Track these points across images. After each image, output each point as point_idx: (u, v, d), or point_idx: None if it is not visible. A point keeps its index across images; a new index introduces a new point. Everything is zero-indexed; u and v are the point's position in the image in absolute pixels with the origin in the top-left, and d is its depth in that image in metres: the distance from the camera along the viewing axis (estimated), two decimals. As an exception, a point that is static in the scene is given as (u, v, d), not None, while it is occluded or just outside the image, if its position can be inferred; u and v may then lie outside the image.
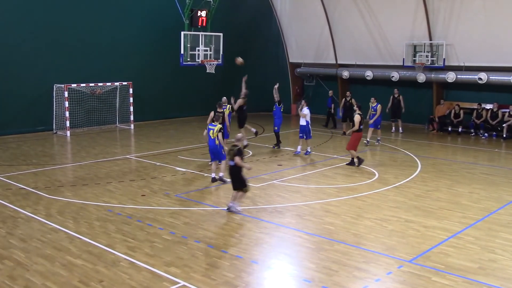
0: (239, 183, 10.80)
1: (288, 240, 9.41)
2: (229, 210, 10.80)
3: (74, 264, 8.08)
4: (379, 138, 19.34)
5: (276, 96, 18.43)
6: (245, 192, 10.90)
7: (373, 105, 18.99)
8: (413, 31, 22.98)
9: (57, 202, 11.48)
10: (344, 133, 21.48)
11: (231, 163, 10.76)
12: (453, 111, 22.18)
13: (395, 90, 22.60)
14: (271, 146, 18.43)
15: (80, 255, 8.42)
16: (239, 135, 11.33)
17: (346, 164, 15.42)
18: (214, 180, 13.23)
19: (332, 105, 24.29)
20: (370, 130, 18.92)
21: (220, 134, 13.10)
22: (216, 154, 13.28)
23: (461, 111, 21.94)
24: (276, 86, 18.72)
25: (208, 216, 10.61)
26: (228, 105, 16.13)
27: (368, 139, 18.84)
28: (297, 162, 16.06)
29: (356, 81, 26.64)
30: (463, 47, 21.77)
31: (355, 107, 16.33)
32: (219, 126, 13.23)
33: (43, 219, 10.27)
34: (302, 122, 16.76)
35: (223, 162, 13.25)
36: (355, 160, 15.34)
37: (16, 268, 7.93)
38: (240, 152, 10.70)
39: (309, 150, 16.94)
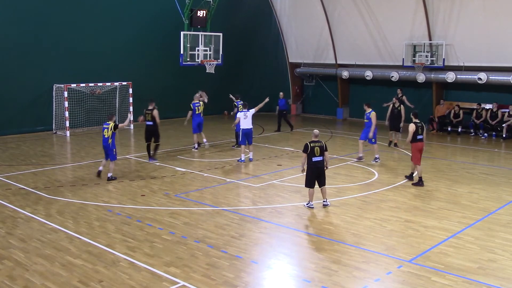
0: (325, 179, 11.20)
1: (287, 240, 9.41)
2: (325, 206, 11.27)
3: (73, 264, 8.08)
4: (377, 156, 15.90)
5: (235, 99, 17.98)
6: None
7: (366, 112, 15.73)
8: (413, 31, 23.00)
9: (56, 202, 11.48)
10: (390, 144, 18.64)
11: (319, 158, 10.91)
12: (452, 111, 22.18)
13: (398, 90, 22.57)
14: (233, 146, 18.33)
15: (79, 255, 8.42)
16: (316, 131, 11.30)
17: (412, 184, 13.31)
18: (110, 178, 13.49)
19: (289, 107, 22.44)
20: (361, 142, 15.90)
21: (121, 125, 13.86)
22: (107, 153, 13.57)
23: (461, 111, 21.94)
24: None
25: (207, 216, 10.61)
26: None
27: (361, 154, 15.91)
28: (297, 162, 16.04)
29: (356, 81, 26.67)
30: (463, 47, 21.78)
31: (411, 115, 13.92)
32: (113, 124, 13.46)
33: (42, 219, 10.27)
34: (243, 125, 15.68)
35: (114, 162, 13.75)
36: (415, 175, 13.51)
37: (16, 268, 7.93)
38: (326, 148, 11.08)
39: (243, 159, 15.76)
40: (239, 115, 15.86)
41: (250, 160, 15.94)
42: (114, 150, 13.56)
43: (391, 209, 11.20)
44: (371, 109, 15.63)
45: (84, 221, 10.16)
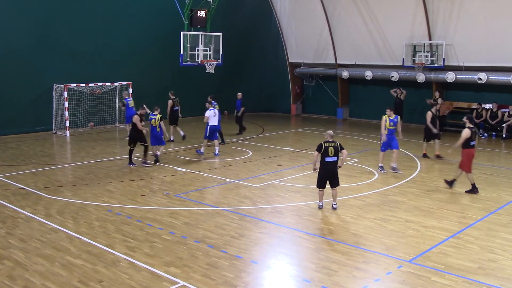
0: (338, 181, 11.06)
1: (287, 240, 9.41)
2: (334, 208, 11.14)
3: (73, 264, 8.08)
4: (381, 165, 14.76)
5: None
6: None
7: (391, 118, 14.42)
8: (413, 31, 23.00)
9: (56, 202, 11.48)
10: (438, 156, 16.70)
11: (332, 159, 10.83)
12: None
13: (398, 89, 22.59)
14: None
15: (79, 255, 8.42)
16: (330, 131, 11.12)
17: (466, 191, 12.54)
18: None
19: (242, 109, 20.95)
20: (382, 154, 14.68)
21: (162, 122, 15.37)
22: (157, 139, 15.58)
23: (439, 97, 21.74)
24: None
25: (207, 216, 10.61)
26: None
27: (381, 164, 14.68)
28: (297, 162, 16.06)
29: (356, 81, 26.67)
30: (463, 47, 21.78)
31: (464, 119, 12.82)
32: (159, 115, 15.33)
33: (42, 219, 10.26)
34: (213, 122, 16.54)
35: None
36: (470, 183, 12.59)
37: (16, 268, 7.93)
38: (343, 147, 10.97)
39: (202, 151, 16.80)
40: (209, 113, 16.57)
41: (217, 154, 16.67)
42: (163, 136, 15.64)
43: (391, 209, 11.20)
44: (396, 114, 14.66)
45: (84, 221, 10.16)
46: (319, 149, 10.85)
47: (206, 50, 20.31)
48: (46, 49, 20.81)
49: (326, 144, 10.83)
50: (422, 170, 15.00)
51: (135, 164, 15.18)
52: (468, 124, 12.58)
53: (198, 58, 20.12)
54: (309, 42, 27.38)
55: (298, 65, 28.43)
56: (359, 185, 13.21)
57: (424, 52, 22.49)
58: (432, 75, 22.88)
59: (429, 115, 16.64)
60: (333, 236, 9.55)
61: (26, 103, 20.61)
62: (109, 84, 22.39)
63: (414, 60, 22.75)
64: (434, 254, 8.62)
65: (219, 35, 20.69)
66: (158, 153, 15.71)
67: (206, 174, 14.21)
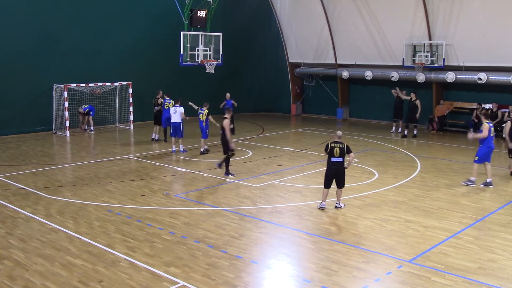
0: (344, 181, 11.15)
1: (287, 240, 9.41)
2: (337, 207, 11.22)
3: (73, 264, 8.08)
4: (489, 180, 13.04)
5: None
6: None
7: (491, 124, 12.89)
8: (413, 31, 23.00)
9: (56, 202, 11.48)
10: None
11: (338, 159, 10.88)
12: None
13: (397, 89, 22.61)
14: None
15: (79, 255, 8.42)
16: (340, 132, 11.22)
17: None
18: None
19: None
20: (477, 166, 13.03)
21: (210, 117, 16.52)
22: (202, 132, 16.67)
23: (417, 101, 21.13)
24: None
25: (207, 216, 10.61)
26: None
27: (489, 179, 13.00)
28: (297, 162, 16.06)
29: (356, 81, 26.68)
30: (463, 47, 21.78)
31: None
32: (207, 111, 16.48)
33: (42, 219, 10.27)
34: (172, 119, 17.08)
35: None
36: None
37: (16, 268, 7.93)
38: (350, 150, 11.01)
39: (182, 149, 17.25)
40: (171, 110, 17.22)
41: (182, 151, 17.08)
42: (207, 131, 16.75)
43: (391, 209, 11.20)
44: (489, 121, 12.83)
45: (84, 221, 10.16)
46: (326, 149, 11.07)
47: (206, 50, 20.31)
48: (46, 49, 20.81)
49: (332, 145, 10.93)
50: (422, 170, 15.00)
51: (233, 174, 14.02)
52: None
53: (198, 58, 20.12)
54: (309, 42, 27.38)
55: (298, 65, 28.43)
56: (359, 185, 13.21)
57: (424, 52, 22.49)
58: (432, 75, 22.88)
59: (508, 125, 14.10)
60: (333, 236, 9.55)
61: (26, 103, 20.62)
62: (109, 84, 22.39)
63: (414, 60, 22.75)
64: (434, 254, 8.62)
65: (219, 35, 20.69)
66: (206, 146, 16.93)
67: (206, 174, 14.21)
